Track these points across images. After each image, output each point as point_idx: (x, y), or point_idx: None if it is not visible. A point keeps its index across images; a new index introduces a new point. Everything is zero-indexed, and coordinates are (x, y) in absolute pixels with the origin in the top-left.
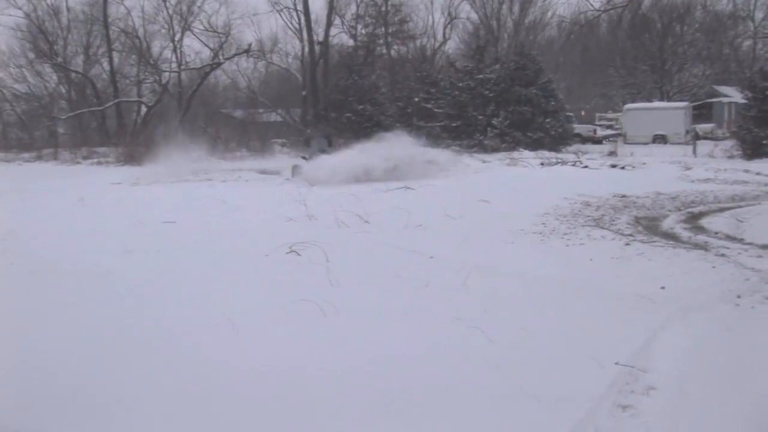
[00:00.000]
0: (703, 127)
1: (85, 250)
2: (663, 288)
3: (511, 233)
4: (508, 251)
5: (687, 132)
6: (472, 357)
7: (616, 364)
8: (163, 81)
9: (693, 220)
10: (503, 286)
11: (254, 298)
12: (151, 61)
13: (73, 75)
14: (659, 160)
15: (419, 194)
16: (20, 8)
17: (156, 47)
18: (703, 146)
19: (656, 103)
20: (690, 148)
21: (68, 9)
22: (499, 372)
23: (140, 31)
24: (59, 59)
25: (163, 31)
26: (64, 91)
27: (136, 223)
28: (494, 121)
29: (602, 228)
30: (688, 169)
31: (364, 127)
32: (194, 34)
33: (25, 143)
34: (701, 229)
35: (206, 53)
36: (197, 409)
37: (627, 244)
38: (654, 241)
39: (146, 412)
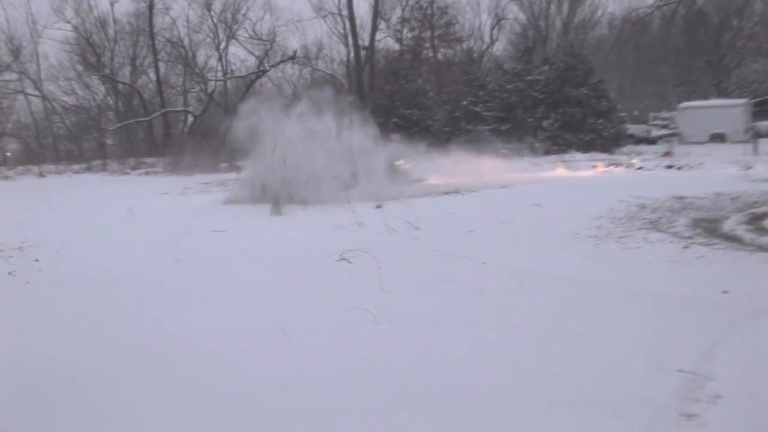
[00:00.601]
0: (764, 125)
1: (136, 259)
2: (725, 292)
3: (565, 237)
4: (561, 256)
5: (746, 130)
6: (528, 364)
7: (679, 371)
8: (209, 90)
9: (756, 221)
10: (557, 292)
11: (305, 306)
12: (197, 70)
13: (120, 86)
14: (717, 160)
15: (469, 199)
16: (69, 21)
17: (201, 56)
18: (764, 144)
19: (713, 101)
20: (750, 146)
21: (115, 21)
22: (556, 379)
23: (185, 41)
24: (107, 71)
25: (208, 39)
26: (111, 102)
27: (184, 232)
28: (544, 123)
29: (659, 231)
30: (749, 168)
31: (411, 132)
32: (239, 42)
33: (75, 155)
34: (765, 231)
35: (251, 61)
36: (244, 416)
37: (686, 247)
38: (714, 244)
39: (194, 418)
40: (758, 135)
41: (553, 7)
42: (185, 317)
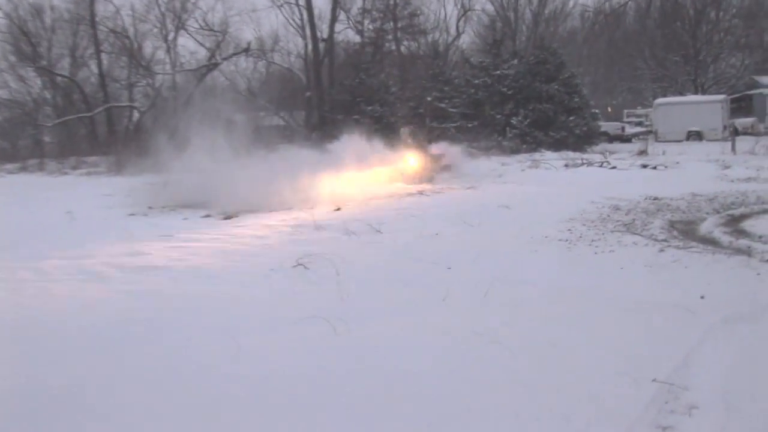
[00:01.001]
0: (743, 122)
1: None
2: (702, 297)
3: (535, 241)
4: (531, 260)
5: (725, 127)
6: (495, 374)
7: (654, 380)
8: (157, 84)
9: (734, 223)
10: (527, 298)
11: (258, 316)
12: (143, 63)
13: (58, 79)
14: (694, 159)
15: (434, 201)
16: None
17: (148, 48)
18: (743, 142)
19: (690, 97)
20: (728, 144)
21: (52, 8)
22: (524, 390)
23: (131, 31)
24: (43, 62)
25: (156, 30)
26: (49, 96)
27: (128, 236)
28: (513, 121)
29: (634, 233)
30: (727, 167)
31: (373, 130)
32: (189, 33)
33: (9, 153)
34: (743, 233)
35: (202, 53)
36: None
37: (661, 251)
38: (691, 247)
39: None
40: (736, 133)
41: None
42: (117, 333)
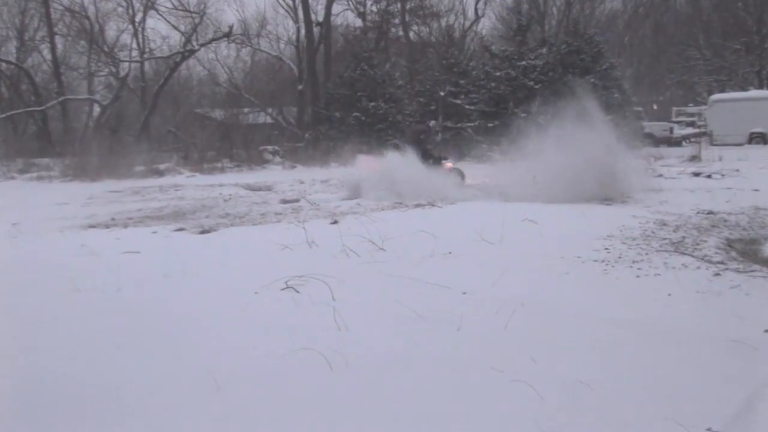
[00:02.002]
0: None
1: (24, 289)
2: (767, 332)
3: (566, 262)
4: (561, 285)
5: None
6: (520, 420)
7: (708, 430)
8: (122, 73)
9: None
10: (556, 330)
11: (241, 347)
12: (106, 49)
13: (3, 66)
14: (758, 166)
15: (447, 214)
16: None
17: (111, 31)
18: None
19: (753, 92)
20: None
21: None
22: None
23: (90, 10)
24: None
25: (120, 10)
26: None
27: (87, 253)
28: (541, 120)
29: (683, 254)
30: None
31: (376, 130)
32: (160, 15)
33: None
34: None
35: (176, 38)
36: None
37: (717, 275)
38: (753, 271)
39: None
40: None
41: None
42: (85, 363)
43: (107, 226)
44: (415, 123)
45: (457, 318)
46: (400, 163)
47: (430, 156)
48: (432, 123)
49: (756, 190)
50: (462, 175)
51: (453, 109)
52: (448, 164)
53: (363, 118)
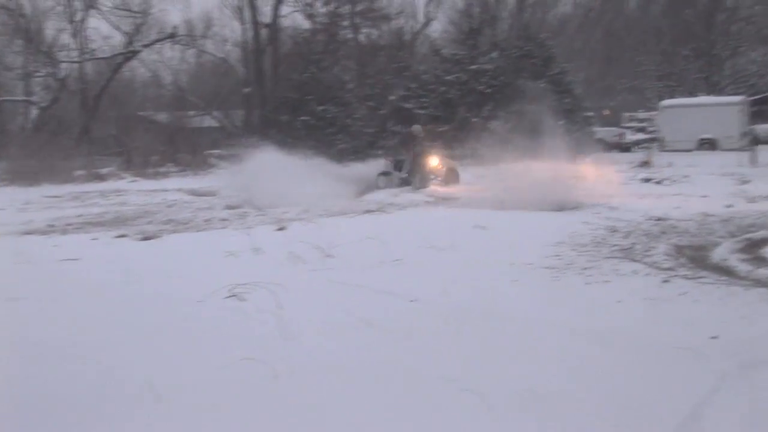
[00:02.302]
0: (765, 129)
1: None
2: (715, 338)
3: (516, 268)
4: (511, 291)
5: (743, 135)
6: (467, 429)
7: None
8: (61, 74)
9: (753, 249)
10: (505, 337)
11: (183, 357)
12: (44, 48)
13: None
14: (706, 172)
15: (396, 220)
16: None
17: (50, 30)
18: (765, 153)
19: (702, 99)
20: (746, 155)
21: None
22: None
23: (27, 8)
24: None
25: (60, 8)
26: None
27: (23, 261)
28: (492, 125)
29: (633, 260)
30: (745, 182)
31: (325, 134)
32: (101, 14)
33: None
34: (764, 261)
35: (118, 39)
36: None
37: (666, 281)
38: (701, 277)
39: None
40: (757, 141)
41: None
42: (19, 373)
43: (45, 233)
44: (403, 131)
45: (406, 326)
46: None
47: (418, 161)
48: (415, 127)
49: (705, 196)
50: (456, 175)
51: (403, 113)
52: (436, 165)
53: (312, 122)
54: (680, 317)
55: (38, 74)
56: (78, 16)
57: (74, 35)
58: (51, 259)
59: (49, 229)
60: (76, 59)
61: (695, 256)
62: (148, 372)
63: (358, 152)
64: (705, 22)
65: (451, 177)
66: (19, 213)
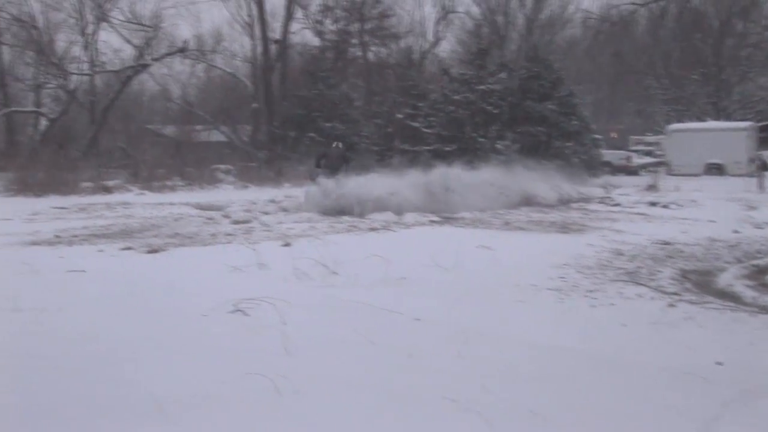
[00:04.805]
0: None
1: None
2: (719, 364)
3: (520, 290)
4: (515, 313)
5: (750, 160)
6: None
7: None
8: (71, 86)
9: (759, 275)
10: (509, 359)
11: (187, 371)
12: (55, 60)
13: None
14: (713, 197)
15: (401, 238)
16: None
17: (61, 42)
18: None
19: (710, 123)
20: (754, 181)
21: None
22: None
23: (40, 20)
24: None
25: (72, 20)
26: None
27: (29, 271)
28: (499, 145)
29: (638, 284)
30: (752, 208)
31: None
32: (113, 27)
33: None
34: None
35: (128, 52)
36: None
37: (671, 306)
38: (706, 303)
39: None
40: (764, 167)
41: None
42: (23, 386)
43: (51, 244)
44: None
45: (409, 345)
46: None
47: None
48: (335, 144)
49: (711, 221)
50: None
51: (410, 131)
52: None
53: (318, 139)
54: (685, 342)
55: (48, 86)
56: (89, 29)
57: (85, 48)
58: (57, 270)
59: (55, 240)
60: (86, 72)
61: (701, 281)
62: (151, 384)
63: (365, 170)
64: (714, 47)
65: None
66: (26, 223)
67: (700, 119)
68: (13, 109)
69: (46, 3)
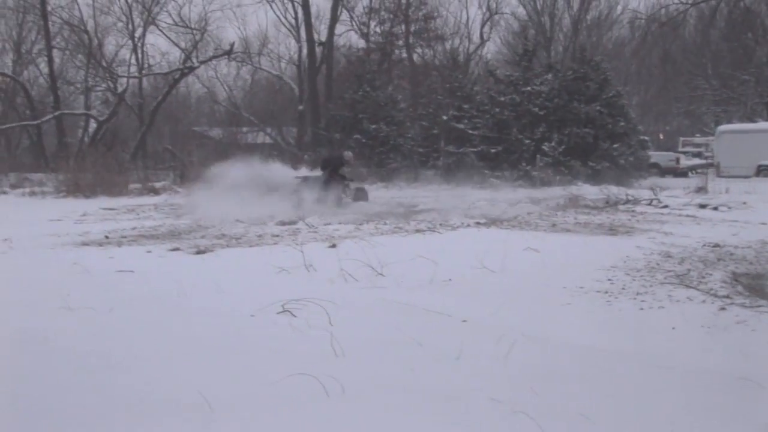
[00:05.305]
0: None
1: (15, 307)
2: None
3: (568, 292)
4: (563, 315)
5: None
6: None
7: None
8: (119, 89)
9: None
10: (557, 361)
11: (235, 371)
12: (104, 63)
13: None
14: (765, 199)
15: (447, 240)
16: None
17: (110, 45)
18: None
19: (762, 124)
20: None
21: None
22: None
23: (89, 24)
24: None
25: (120, 24)
26: None
27: (80, 271)
28: (545, 147)
29: (688, 287)
30: None
31: (377, 152)
32: (160, 30)
33: None
34: None
35: (176, 55)
36: None
37: (722, 309)
38: (759, 306)
39: None
40: None
41: (560, 0)
42: (76, 384)
43: (101, 244)
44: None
45: (456, 346)
46: None
47: (342, 178)
48: (346, 153)
49: (763, 223)
50: (365, 194)
51: (455, 133)
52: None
53: (364, 141)
54: (737, 346)
55: (98, 89)
56: (138, 33)
57: (134, 51)
58: (107, 271)
59: (104, 241)
60: (134, 74)
61: (753, 285)
62: (200, 384)
63: (410, 171)
64: (766, 46)
65: (361, 195)
66: (76, 224)
67: (750, 120)
68: (64, 111)
69: (95, 6)
